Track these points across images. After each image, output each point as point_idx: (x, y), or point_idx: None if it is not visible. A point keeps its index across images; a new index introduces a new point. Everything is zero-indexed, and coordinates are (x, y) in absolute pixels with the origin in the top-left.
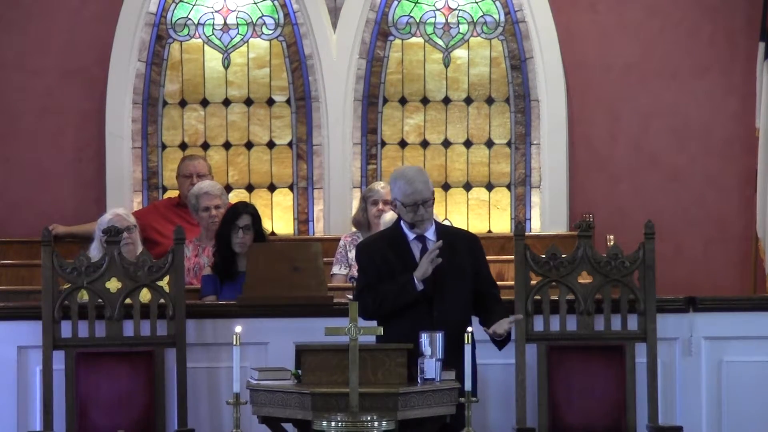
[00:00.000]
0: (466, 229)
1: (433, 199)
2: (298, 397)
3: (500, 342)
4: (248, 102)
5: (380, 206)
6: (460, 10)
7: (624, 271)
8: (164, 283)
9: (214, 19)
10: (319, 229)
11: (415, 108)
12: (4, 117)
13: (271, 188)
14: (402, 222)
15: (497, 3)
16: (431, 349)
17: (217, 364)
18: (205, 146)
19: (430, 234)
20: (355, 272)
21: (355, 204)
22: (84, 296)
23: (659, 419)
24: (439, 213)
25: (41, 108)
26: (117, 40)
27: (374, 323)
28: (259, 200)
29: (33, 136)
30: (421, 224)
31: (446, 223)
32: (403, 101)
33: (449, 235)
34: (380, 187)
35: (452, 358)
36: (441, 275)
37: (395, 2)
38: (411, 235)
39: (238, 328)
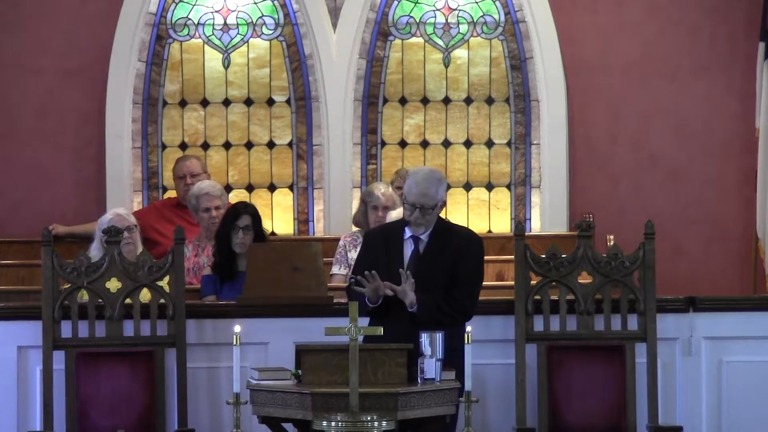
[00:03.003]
0: (470, 230)
1: (436, 208)
2: (298, 397)
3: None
4: (248, 102)
5: (380, 213)
6: (460, 10)
7: (624, 271)
8: (164, 283)
9: (214, 19)
10: (319, 229)
11: (415, 108)
12: (4, 117)
13: (271, 188)
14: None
15: (497, 3)
16: (431, 349)
17: (217, 364)
18: (205, 146)
19: (425, 236)
20: None
21: (355, 204)
22: (84, 296)
23: (659, 419)
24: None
25: (41, 108)
26: (117, 40)
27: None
28: (259, 200)
29: (33, 136)
30: (416, 227)
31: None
32: (403, 101)
33: (445, 232)
34: (380, 193)
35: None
36: (422, 272)
37: (395, 2)
38: (407, 234)
39: (238, 328)
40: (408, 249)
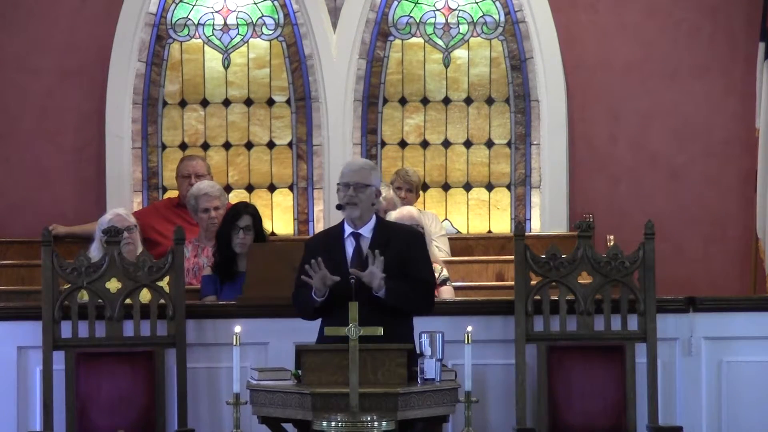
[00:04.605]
0: (412, 226)
1: (369, 188)
2: (298, 397)
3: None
4: (248, 102)
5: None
6: (460, 10)
7: (624, 271)
8: (164, 283)
9: (214, 19)
10: (319, 229)
11: (415, 108)
12: (4, 117)
13: (271, 188)
14: (345, 219)
15: (497, 3)
16: (431, 349)
17: (217, 364)
18: (205, 146)
19: (366, 231)
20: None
21: None
22: (84, 296)
23: (659, 419)
24: (439, 213)
25: (41, 108)
26: (117, 40)
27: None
28: (259, 200)
29: (33, 136)
30: (351, 209)
31: (446, 223)
32: (403, 101)
33: (387, 231)
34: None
35: None
36: (367, 269)
37: (395, 2)
38: (347, 232)
39: (238, 328)
40: (349, 247)
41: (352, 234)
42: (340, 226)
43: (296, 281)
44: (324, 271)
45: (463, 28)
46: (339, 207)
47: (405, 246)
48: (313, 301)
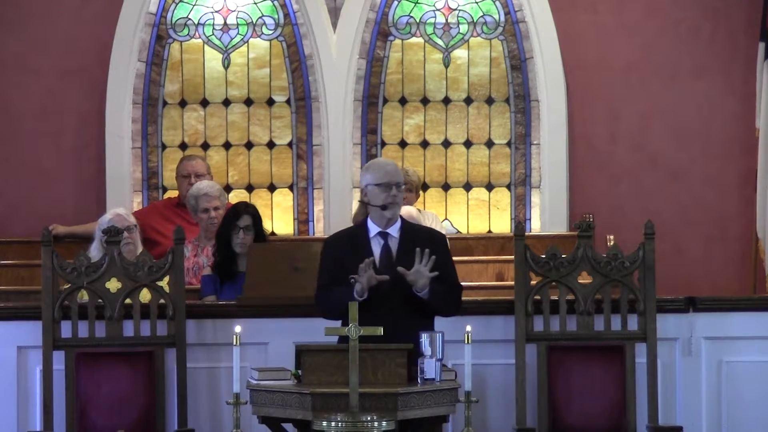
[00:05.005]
0: (433, 228)
1: (404, 188)
2: (298, 397)
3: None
4: (248, 102)
5: None
6: (460, 10)
7: (624, 271)
8: (164, 283)
9: (214, 19)
10: (319, 229)
11: (415, 108)
12: (4, 117)
13: (271, 188)
14: (369, 218)
15: (497, 3)
16: (431, 349)
17: (217, 364)
18: (205, 146)
19: (394, 231)
20: None
21: (355, 204)
22: (84, 296)
23: (659, 419)
24: (439, 213)
25: (41, 108)
26: (117, 40)
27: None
28: (259, 200)
29: (33, 136)
30: (395, 208)
31: (446, 223)
32: (403, 101)
33: (413, 233)
34: None
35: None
36: (397, 274)
37: (395, 2)
38: (373, 232)
39: (238, 328)
40: (377, 246)
41: (380, 233)
42: (362, 226)
43: (320, 280)
44: (371, 271)
45: (463, 28)
46: (384, 207)
47: (432, 248)
48: (354, 300)
